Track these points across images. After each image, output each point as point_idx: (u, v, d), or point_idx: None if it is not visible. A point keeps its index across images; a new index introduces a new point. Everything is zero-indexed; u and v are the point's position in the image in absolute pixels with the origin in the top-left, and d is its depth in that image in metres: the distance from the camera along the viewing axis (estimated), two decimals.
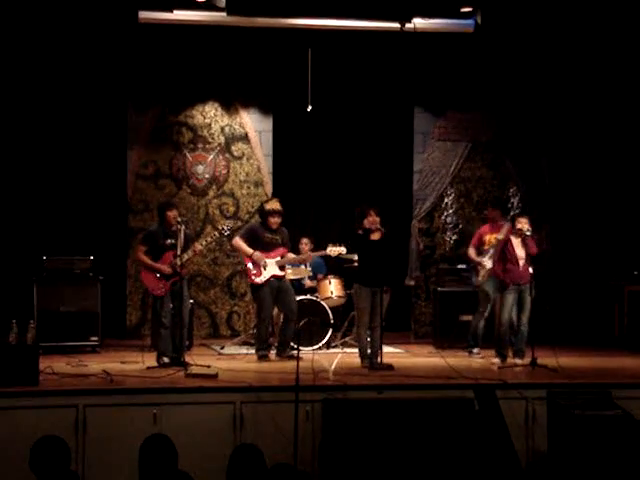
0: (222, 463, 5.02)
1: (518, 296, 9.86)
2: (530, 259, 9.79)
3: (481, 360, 10.24)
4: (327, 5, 11.07)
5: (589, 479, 7.23)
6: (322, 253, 10.56)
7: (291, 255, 10.38)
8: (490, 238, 10.65)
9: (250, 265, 10.05)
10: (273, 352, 10.21)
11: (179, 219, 9.43)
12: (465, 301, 11.42)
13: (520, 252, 9.87)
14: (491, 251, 10.52)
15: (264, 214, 10.17)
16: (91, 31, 11.50)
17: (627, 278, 11.72)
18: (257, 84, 12.46)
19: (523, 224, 9.81)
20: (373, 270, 9.26)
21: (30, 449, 4.81)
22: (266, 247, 10.10)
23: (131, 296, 12.18)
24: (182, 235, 9.30)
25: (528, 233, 9.77)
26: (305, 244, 11.44)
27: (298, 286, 11.35)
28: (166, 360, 9.23)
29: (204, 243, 9.81)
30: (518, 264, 9.85)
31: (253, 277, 10.02)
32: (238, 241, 10.19)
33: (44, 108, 11.84)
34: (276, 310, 10.55)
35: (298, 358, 7.60)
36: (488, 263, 10.48)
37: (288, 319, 10.08)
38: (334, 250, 10.29)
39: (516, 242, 9.91)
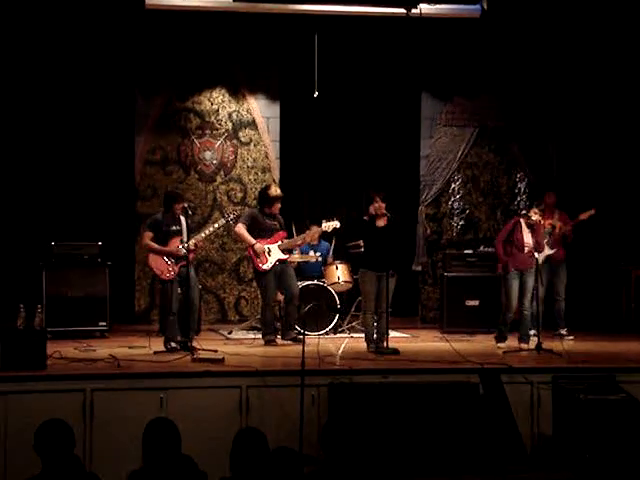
0: (228, 447, 5.04)
1: (520, 281, 9.93)
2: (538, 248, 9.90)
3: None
4: None
5: (594, 463, 7.25)
6: (320, 230, 10.68)
7: (290, 239, 10.50)
8: (545, 224, 10.75)
9: (253, 253, 10.14)
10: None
11: (185, 205, 9.54)
12: (471, 286, 11.47)
13: (527, 239, 9.93)
14: (547, 237, 10.74)
15: (270, 200, 10.22)
16: (98, 18, 11.52)
17: (635, 262, 11.71)
18: (264, 70, 12.45)
19: (534, 214, 9.90)
20: (378, 255, 9.31)
21: (34, 432, 4.87)
22: (267, 232, 10.20)
23: (140, 281, 12.22)
24: (184, 220, 9.46)
25: (541, 222, 9.94)
26: (313, 231, 11.47)
27: (306, 269, 11.41)
28: (174, 345, 9.28)
29: (211, 229, 9.89)
30: (523, 250, 9.92)
31: (260, 265, 10.10)
32: (241, 228, 10.24)
33: (52, 95, 11.85)
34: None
35: (304, 343, 7.66)
36: (546, 249, 10.63)
37: (290, 302, 10.19)
38: (329, 225, 10.44)
39: (525, 228, 9.97)
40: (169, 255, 9.49)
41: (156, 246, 9.50)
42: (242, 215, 10.58)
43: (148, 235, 9.60)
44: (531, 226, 9.93)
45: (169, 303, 9.48)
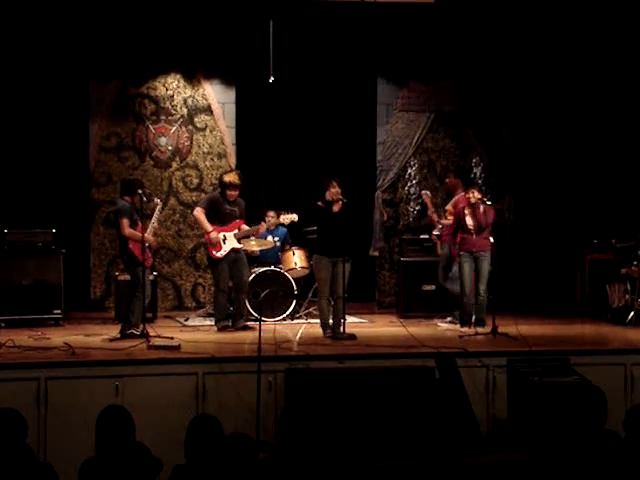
0: (184, 434, 5.05)
1: (474, 264, 10.01)
2: (486, 228, 9.96)
3: (447, 327, 10.37)
4: None
5: (548, 445, 7.33)
6: (276, 222, 10.83)
7: (245, 227, 10.40)
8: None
9: (208, 241, 10.16)
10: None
11: (140, 192, 9.44)
12: (428, 271, 11.50)
13: (470, 221, 10.03)
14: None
15: (222, 186, 10.25)
16: (51, 1, 11.38)
17: (588, 246, 11.82)
18: (219, 55, 12.37)
19: (470, 194, 10.02)
20: (333, 241, 9.31)
21: None
22: (225, 219, 10.18)
23: (95, 269, 12.12)
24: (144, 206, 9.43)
25: (488, 202, 9.99)
26: (271, 217, 11.43)
27: (263, 255, 11.38)
28: (137, 332, 9.16)
29: (157, 215, 9.80)
30: (470, 232, 10.03)
31: (214, 252, 10.09)
32: (199, 213, 10.22)
33: (3, 81, 11.68)
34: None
35: (260, 329, 7.65)
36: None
37: (239, 290, 10.21)
38: (287, 218, 10.53)
39: (468, 212, 10.07)
40: (148, 243, 9.48)
41: (138, 234, 9.29)
42: (202, 199, 10.66)
43: (127, 222, 9.36)
44: (472, 209, 10.03)
45: (144, 287, 9.36)
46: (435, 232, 10.89)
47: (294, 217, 10.54)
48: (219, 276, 10.13)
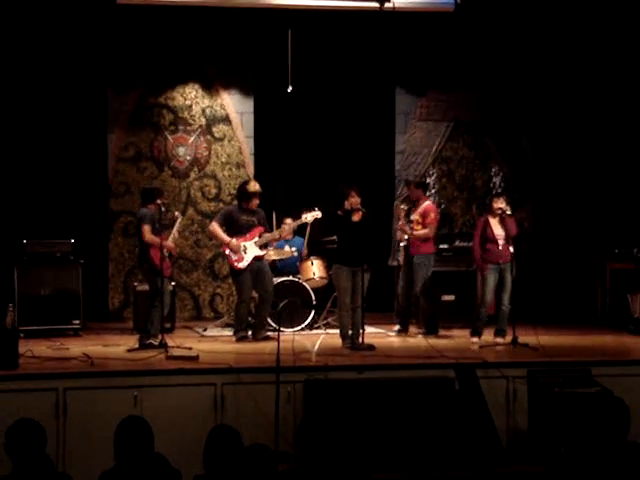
0: (203, 445, 5.02)
1: (499, 276, 9.91)
2: (511, 239, 9.86)
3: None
4: None
5: (569, 457, 7.26)
6: (298, 222, 10.61)
7: (267, 234, 10.34)
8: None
9: (229, 252, 10.10)
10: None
11: (159, 202, 9.47)
12: (447, 281, 11.44)
13: (498, 231, 9.93)
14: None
15: (247, 196, 10.14)
16: (69, 13, 11.43)
17: (609, 256, 11.73)
18: (238, 65, 12.40)
19: (500, 204, 9.89)
20: (353, 250, 9.28)
21: (5, 432, 4.81)
22: (243, 229, 10.12)
23: (113, 279, 12.14)
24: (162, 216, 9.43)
25: (509, 212, 9.87)
26: (289, 223, 11.41)
27: (282, 266, 11.35)
28: (155, 342, 9.17)
29: (178, 226, 9.89)
30: (497, 243, 9.92)
31: (235, 263, 10.04)
32: (215, 227, 10.19)
33: (23, 92, 11.73)
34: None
35: (279, 339, 7.62)
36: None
37: (263, 300, 10.12)
38: (309, 216, 10.36)
39: (494, 222, 9.97)
40: (169, 251, 9.53)
41: (158, 240, 9.36)
42: (217, 213, 10.62)
43: (148, 229, 9.42)
44: (500, 218, 9.95)
45: (162, 297, 9.39)
46: (402, 243, 10.81)
47: (317, 214, 10.36)
48: (242, 287, 10.08)
